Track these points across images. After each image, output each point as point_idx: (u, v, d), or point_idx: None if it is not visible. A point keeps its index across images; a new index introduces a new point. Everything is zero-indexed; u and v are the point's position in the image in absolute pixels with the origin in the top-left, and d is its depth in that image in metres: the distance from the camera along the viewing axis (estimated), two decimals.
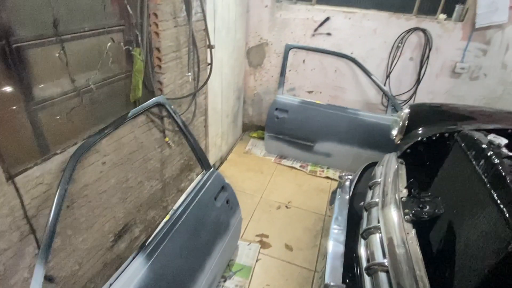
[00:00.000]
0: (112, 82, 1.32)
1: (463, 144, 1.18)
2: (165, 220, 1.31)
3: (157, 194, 1.77)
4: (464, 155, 1.16)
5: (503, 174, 0.90)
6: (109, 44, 1.22)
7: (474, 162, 1.06)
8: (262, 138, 3.05)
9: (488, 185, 0.93)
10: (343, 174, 1.62)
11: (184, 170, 2.04)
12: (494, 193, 0.90)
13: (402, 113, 1.65)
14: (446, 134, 1.44)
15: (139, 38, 1.31)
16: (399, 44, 2.43)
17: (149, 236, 1.23)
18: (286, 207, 2.28)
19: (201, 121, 2.14)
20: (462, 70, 2.36)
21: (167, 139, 1.67)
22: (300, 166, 2.73)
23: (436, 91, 2.52)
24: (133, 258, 1.13)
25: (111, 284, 1.03)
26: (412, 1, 2.41)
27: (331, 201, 1.68)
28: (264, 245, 1.94)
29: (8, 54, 0.88)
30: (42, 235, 1.06)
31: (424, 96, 2.55)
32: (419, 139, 1.50)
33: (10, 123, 0.93)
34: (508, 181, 0.86)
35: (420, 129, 1.56)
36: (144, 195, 1.64)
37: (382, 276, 1.02)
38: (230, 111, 2.75)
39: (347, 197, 1.54)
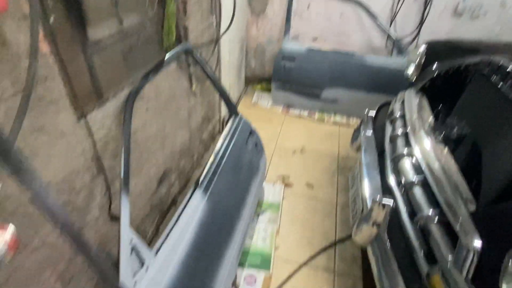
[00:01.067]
0: (147, 26, 1.30)
1: (486, 71, 1.28)
2: (210, 160, 1.39)
3: (185, 143, 1.82)
4: (486, 80, 1.26)
5: None
6: None
7: (499, 85, 1.17)
8: (267, 90, 3.09)
9: None
10: (367, 110, 1.72)
11: (204, 120, 2.08)
12: None
13: (419, 50, 1.73)
14: (463, 68, 1.54)
15: None
16: None
17: (201, 175, 1.31)
18: (301, 152, 2.40)
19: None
20: (464, 9, 2.42)
21: (194, 87, 1.69)
22: (308, 115, 2.83)
23: (438, 31, 2.59)
24: (192, 193, 1.22)
25: (179, 215, 1.12)
26: None
27: (353, 139, 1.80)
28: (287, 185, 2.08)
29: None
30: (110, 176, 1.12)
31: (426, 38, 2.62)
32: (437, 73, 1.60)
33: (73, 64, 0.93)
34: None
35: (436, 65, 1.66)
36: (177, 143, 1.70)
37: (417, 190, 1.17)
38: (235, 63, 2.73)
39: (371, 132, 1.66)
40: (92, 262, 0.69)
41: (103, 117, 1.05)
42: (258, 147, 1.77)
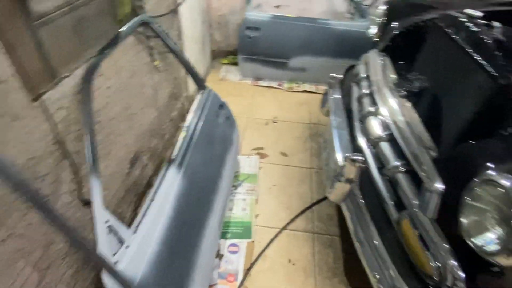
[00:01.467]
0: None
1: (442, 24, 1.32)
2: (182, 135, 1.36)
3: (154, 122, 1.77)
4: (443, 34, 1.31)
5: (482, 37, 1.07)
6: None
7: (455, 37, 1.22)
8: (234, 64, 3.03)
9: (470, 51, 1.10)
10: (334, 74, 1.74)
11: (171, 98, 2.02)
12: (476, 56, 1.07)
13: (379, 10, 1.75)
14: (422, 23, 1.58)
15: None
16: None
17: (173, 151, 1.29)
18: (273, 122, 2.42)
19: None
20: None
21: (157, 62, 1.62)
22: (278, 85, 2.82)
23: None
24: (166, 169, 1.20)
25: (155, 192, 1.11)
26: None
27: (323, 103, 1.83)
28: (262, 155, 2.11)
29: None
30: (77, 160, 1.07)
31: None
32: (397, 31, 1.64)
33: (18, 40, 0.85)
34: (487, 41, 1.03)
35: (396, 23, 1.69)
36: (145, 123, 1.64)
37: (384, 145, 1.23)
38: (198, 36, 2.63)
39: (339, 95, 1.69)
40: (73, 242, 0.67)
41: (60, 97, 0.98)
42: (230, 120, 1.75)
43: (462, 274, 0.82)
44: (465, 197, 0.81)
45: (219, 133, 1.62)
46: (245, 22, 2.62)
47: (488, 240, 0.73)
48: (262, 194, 1.84)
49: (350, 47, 2.48)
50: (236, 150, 1.79)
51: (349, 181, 1.23)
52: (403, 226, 1.05)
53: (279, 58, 2.73)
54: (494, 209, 0.74)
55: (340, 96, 1.67)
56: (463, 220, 0.82)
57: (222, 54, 3.16)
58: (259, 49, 2.71)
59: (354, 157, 1.17)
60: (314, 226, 1.68)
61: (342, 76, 1.77)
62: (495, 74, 0.96)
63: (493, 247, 0.72)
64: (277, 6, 2.82)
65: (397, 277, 0.98)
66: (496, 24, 1.15)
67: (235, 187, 1.85)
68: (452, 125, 1.11)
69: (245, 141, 2.22)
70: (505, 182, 0.71)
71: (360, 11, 2.57)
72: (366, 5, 2.67)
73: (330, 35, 2.53)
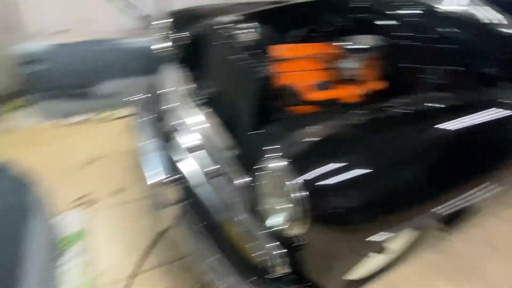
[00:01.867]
0: None
1: (215, 31, 1.42)
2: None
3: None
4: (216, 39, 1.42)
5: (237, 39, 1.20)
6: None
7: (225, 42, 1.33)
8: (23, 106, 2.47)
9: (236, 52, 1.22)
10: (131, 97, 1.64)
11: None
12: (240, 55, 1.19)
13: (165, 23, 1.74)
14: (203, 32, 1.66)
15: None
16: None
17: None
18: (94, 160, 2.11)
19: None
20: None
21: None
22: (87, 119, 2.48)
23: (175, 4, 2.69)
24: None
25: None
26: None
27: (132, 129, 1.70)
28: (89, 203, 1.80)
29: None
30: None
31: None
32: (186, 41, 1.67)
33: None
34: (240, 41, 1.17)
35: (183, 33, 1.73)
36: None
37: (195, 154, 1.24)
38: None
39: (145, 116, 1.61)
40: None
41: None
42: (18, 183, 1.38)
43: (279, 254, 0.90)
44: (256, 185, 0.89)
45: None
46: (22, 56, 2.15)
47: (278, 219, 0.82)
48: (99, 248, 1.58)
49: (151, 63, 2.42)
50: (41, 216, 1.44)
51: (173, 203, 1.18)
52: (227, 226, 1.08)
53: (80, 89, 2.40)
54: (275, 191, 0.83)
55: (146, 118, 1.59)
56: (264, 206, 0.90)
57: (4, 99, 2.51)
58: (52, 83, 2.30)
59: (169, 178, 1.13)
60: (170, 255, 1.56)
61: (142, 96, 1.69)
62: (255, 69, 1.10)
63: (278, 222, 0.81)
64: (62, 32, 2.44)
65: (239, 280, 1.00)
66: (256, 24, 1.32)
67: (57, 259, 1.49)
68: (242, 120, 1.22)
69: (62, 195, 1.84)
70: (274, 166, 0.80)
71: (149, 25, 2.55)
72: (154, 18, 2.65)
73: (127, 54, 2.40)
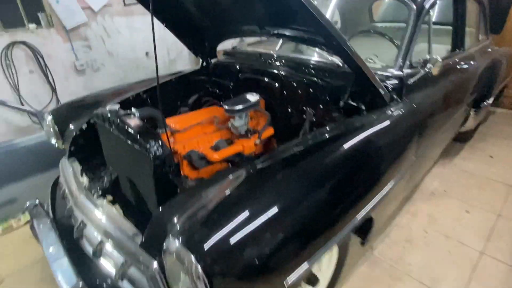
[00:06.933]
0: None
1: (99, 121, 1.45)
2: None
3: None
4: (102, 128, 1.44)
5: (128, 127, 1.25)
6: None
7: (110, 129, 1.36)
8: None
9: (124, 136, 1.26)
10: (28, 203, 1.51)
11: None
12: (131, 139, 1.23)
13: (47, 121, 1.70)
14: (92, 120, 1.67)
15: None
16: (7, 61, 2.31)
17: None
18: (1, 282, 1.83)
19: None
20: (82, 66, 2.67)
21: None
22: None
23: (75, 91, 2.71)
24: None
25: None
26: None
27: (36, 237, 1.55)
28: None
29: None
30: None
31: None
32: (74, 134, 1.65)
33: None
34: (130, 126, 1.22)
35: (71, 126, 1.71)
36: None
37: (109, 250, 1.19)
38: None
39: (47, 219, 1.49)
40: None
41: None
42: None
43: None
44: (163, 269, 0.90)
45: None
46: None
47: None
48: None
49: (47, 159, 2.29)
50: None
51: None
52: None
53: None
54: (178, 271, 0.85)
55: (48, 221, 1.47)
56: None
57: None
58: None
59: (79, 285, 1.05)
60: None
61: (37, 201, 1.57)
62: (151, 152, 1.14)
63: None
64: None
65: None
66: (134, 110, 1.38)
67: None
68: (147, 201, 1.23)
69: None
70: (171, 247, 0.83)
71: (37, 116, 2.45)
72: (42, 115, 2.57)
73: (19, 155, 2.24)
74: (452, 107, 1.99)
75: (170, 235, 0.88)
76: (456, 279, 1.73)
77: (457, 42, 2.09)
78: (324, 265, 1.46)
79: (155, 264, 0.98)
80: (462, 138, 3.09)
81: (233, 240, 0.86)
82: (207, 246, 0.83)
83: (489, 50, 2.62)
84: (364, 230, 1.49)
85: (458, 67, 2.05)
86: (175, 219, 0.93)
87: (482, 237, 2.01)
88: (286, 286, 1.01)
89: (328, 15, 1.92)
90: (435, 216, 2.20)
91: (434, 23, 2.25)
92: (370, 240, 1.57)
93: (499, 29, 3.12)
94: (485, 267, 1.80)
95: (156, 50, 0.95)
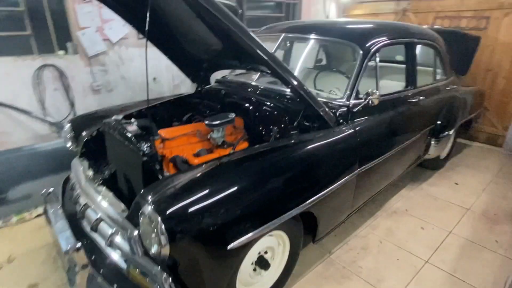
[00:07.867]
0: None
1: (105, 127, 1.86)
2: None
3: None
4: (108, 133, 1.85)
5: (126, 131, 1.65)
6: None
7: (114, 134, 1.76)
8: None
9: (125, 141, 1.65)
10: (44, 191, 1.89)
11: None
12: (128, 141, 1.63)
13: (65, 128, 2.12)
14: (98, 129, 2.07)
15: None
16: (37, 80, 2.79)
17: None
18: (9, 261, 2.16)
19: None
20: (99, 87, 3.15)
21: None
22: (3, 223, 2.53)
23: (91, 108, 3.15)
24: None
25: None
26: (28, 45, 2.80)
27: (48, 221, 1.91)
28: None
29: None
30: None
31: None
32: (85, 139, 2.06)
33: None
34: (128, 131, 1.62)
35: (84, 133, 2.12)
36: None
37: (102, 225, 1.54)
38: None
39: (58, 205, 1.86)
40: None
41: None
42: None
43: (170, 280, 1.23)
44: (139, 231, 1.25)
45: None
46: None
47: (153, 249, 1.18)
48: None
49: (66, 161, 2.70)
50: None
51: (84, 266, 1.42)
52: (131, 273, 1.36)
53: None
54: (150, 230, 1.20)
55: (59, 206, 1.83)
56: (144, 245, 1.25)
57: None
58: None
59: (76, 245, 1.40)
60: None
61: (52, 189, 1.94)
62: (141, 150, 1.53)
63: (154, 251, 1.17)
64: None
65: None
66: (133, 120, 1.79)
67: None
68: (135, 188, 1.60)
69: None
70: (144, 211, 1.19)
71: (58, 128, 2.90)
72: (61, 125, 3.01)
73: (42, 157, 2.66)
74: (402, 134, 2.34)
75: (146, 204, 1.23)
76: (397, 280, 1.99)
77: (409, 79, 2.49)
78: (278, 255, 1.76)
79: (135, 232, 1.32)
80: (432, 166, 3.39)
81: (191, 209, 1.21)
82: (170, 211, 1.19)
83: (448, 88, 3.00)
84: (314, 229, 1.82)
85: (409, 100, 2.43)
86: (151, 195, 1.29)
87: (430, 248, 2.27)
88: (227, 249, 1.31)
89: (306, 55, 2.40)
90: (393, 230, 2.48)
91: (397, 62, 2.68)
92: (320, 237, 1.88)
93: (464, 71, 3.53)
94: (426, 273, 2.06)
95: (148, 74, 1.36)
